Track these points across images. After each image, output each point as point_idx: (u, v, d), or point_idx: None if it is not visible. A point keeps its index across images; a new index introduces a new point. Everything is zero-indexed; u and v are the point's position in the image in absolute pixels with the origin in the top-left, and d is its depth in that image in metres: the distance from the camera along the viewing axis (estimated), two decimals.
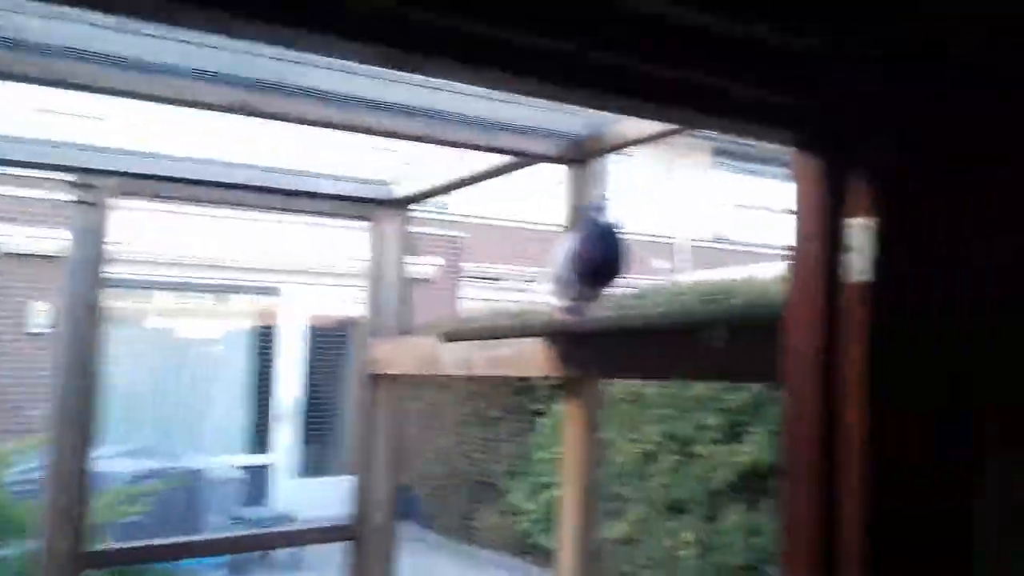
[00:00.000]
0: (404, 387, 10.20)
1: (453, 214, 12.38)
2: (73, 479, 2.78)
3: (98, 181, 2.73)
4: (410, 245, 3.41)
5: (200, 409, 10.38)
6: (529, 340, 2.49)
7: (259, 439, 10.52)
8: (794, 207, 1.27)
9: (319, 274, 10.39)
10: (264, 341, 10.63)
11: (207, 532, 7.49)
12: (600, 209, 1.99)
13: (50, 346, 6.48)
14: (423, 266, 11.19)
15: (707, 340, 1.84)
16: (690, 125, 1.36)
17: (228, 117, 2.32)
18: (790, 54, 1.21)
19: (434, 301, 10.95)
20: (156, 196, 2.89)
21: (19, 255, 9.35)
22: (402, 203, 3.38)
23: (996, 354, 1.34)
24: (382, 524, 3.67)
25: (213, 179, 2.79)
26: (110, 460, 7.76)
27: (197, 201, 2.95)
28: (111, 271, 2.81)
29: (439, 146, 2.44)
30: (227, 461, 9.16)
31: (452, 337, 2.63)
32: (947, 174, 1.26)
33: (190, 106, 2.01)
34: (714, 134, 15.55)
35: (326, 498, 8.63)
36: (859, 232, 1.21)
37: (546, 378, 7.14)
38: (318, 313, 10.75)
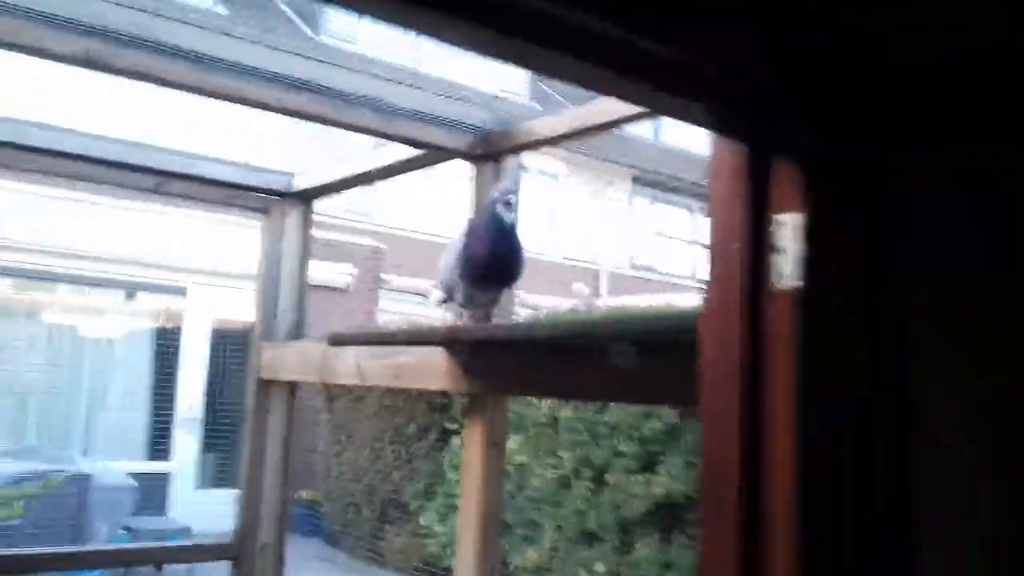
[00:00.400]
0: (313, 396, 9.71)
1: (376, 223, 12.07)
2: None
3: None
4: (310, 243, 3.14)
5: (97, 411, 9.81)
6: (428, 349, 2.26)
7: (160, 446, 9.98)
8: (711, 203, 1.08)
9: (229, 276, 9.91)
10: (168, 342, 10.11)
11: (93, 542, 7.03)
12: (503, 203, 1.76)
13: None
14: (339, 275, 10.80)
15: (614, 357, 1.65)
16: (599, 90, 1.15)
17: (105, 83, 2.04)
18: (724, 8, 1.01)
19: (351, 312, 10.59)
20: (11, 168, 2.55)
21: None
22: (304, 196, 3.11)
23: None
24: (270, 542, 3.38)
25: (80, 153, 2.46)
26: None
27: (61, 176, 2.60)
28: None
29: (327, 126, 2.18)
30: (123, 467, 8.64)
31: (340, 340, 2.37)
32: (890, 161, 1.08)
33: (27, 53, 1.72)
34: (634, 161, 15.65)
35: (230, 511, 8.18)
36: (787, 230, 1.02)
37: (444, 394, 6.87)
38: (224, 315, 10.25)
